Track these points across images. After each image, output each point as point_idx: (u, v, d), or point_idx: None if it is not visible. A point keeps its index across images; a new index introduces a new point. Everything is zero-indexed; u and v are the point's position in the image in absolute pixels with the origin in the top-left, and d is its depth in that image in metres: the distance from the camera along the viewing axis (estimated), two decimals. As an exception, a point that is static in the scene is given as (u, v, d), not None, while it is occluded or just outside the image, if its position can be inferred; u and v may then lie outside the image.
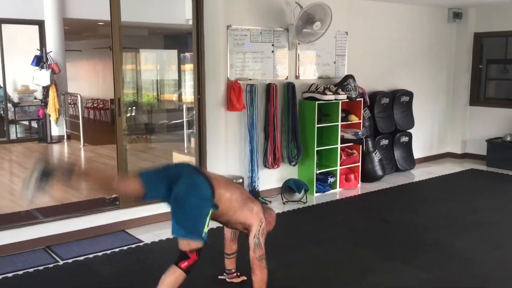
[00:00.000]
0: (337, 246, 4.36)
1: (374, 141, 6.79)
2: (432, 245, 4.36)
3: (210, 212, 2.95)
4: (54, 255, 4.11)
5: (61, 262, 3.98)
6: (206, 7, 5.15)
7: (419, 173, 7.15)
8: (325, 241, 4.48)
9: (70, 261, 4.00)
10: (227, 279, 3.61)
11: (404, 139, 7.26)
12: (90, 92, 14.52)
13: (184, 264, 2.90)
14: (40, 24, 9.05)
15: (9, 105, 9.82)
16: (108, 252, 4.19)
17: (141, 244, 4.41)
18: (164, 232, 4.66)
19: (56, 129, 9.34)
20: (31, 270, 3.83)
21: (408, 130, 7.29)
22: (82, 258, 4.06)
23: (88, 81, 15.28)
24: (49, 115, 8.92)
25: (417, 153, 7.54)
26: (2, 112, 9.74)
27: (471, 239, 4.54)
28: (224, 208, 3.04)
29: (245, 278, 3.51)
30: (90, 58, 15.39)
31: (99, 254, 4.16)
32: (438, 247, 4.33)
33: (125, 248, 4.30)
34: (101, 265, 3.95)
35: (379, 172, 6.67)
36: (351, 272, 3.82)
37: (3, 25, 9.25)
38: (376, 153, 6.68)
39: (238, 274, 3.60)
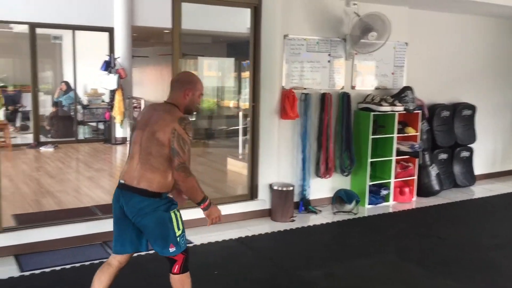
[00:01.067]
0: (385, 260, 4.30)
1: (432, 154, 6.60)
2: (487, 266, 4.19)
3: (171, 216, 2.79)
4: (109, 251, 4.32)
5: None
6: (264, 16, 5.25)
7: (480, 190, 6.86)
8: (373, 254, 4.42)
9: (123, 257, 4.19)
10: None
11: (465, 154, 7.00)
12: (155, 97, 15.04)
13: (176, 268, 2.85)
14: (110, 31, 9.55)
15: (79, 107, 10.44)
16: (159, 251, 4.35)
17: (190, 245, 4.54)
18: (213, 234, 4.79)
19: (120, 131, 9.78)
20: (87, 263, 4.06)
21: (469, 145, 7.03)
22: (135, 255, 4.24)
23: (153, 86, 15.88)
24: (115, 118, 9.37)
25: (478, 169, 7.24)
26: (72, 113, 10.36)
27: (530, 261, 4.32)
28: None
29: None
30: (156, 64, 16.00)
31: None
32: (493, 268, 4.16)
33: (175, 248, 4.44)
34: (152, 263, 4.11)
35: (436, 187, 6.47)
36: (396, 287, 3.74)
37: (77, 32, 9.86)
38: (433, 167, 6.49)
39: None
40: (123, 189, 2.78)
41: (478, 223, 5.46)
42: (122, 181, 2.79)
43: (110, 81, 9.14)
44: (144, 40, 12.99)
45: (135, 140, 2.80)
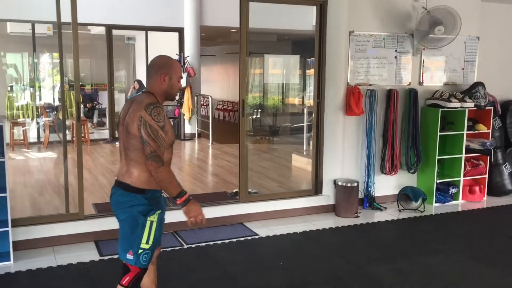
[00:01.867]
0: (452, 258, 4.23)
1: (505, 153, 6.35)
2: (562, 268, 4.02)
3: (145, 223, 2.56)
4: (180, 240, 4.56)
5: (185, 246, 4.41)
6: (330, 13, 5.30)
7: (558, 191, 6.51)
8: (440, 252, 4.36)
9: (193, 245, 4.42)
10: None
11: (541, 152, 6.66)
12: (221, 95, 15.45)
13: (126, 279, 2.60)
14: (180, 31, 9.94)
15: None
16: (227, 241, 4.54)
17: (256, 237, 4.70)
18: (279, 227, 4.91)
19: (189, 128, 10.16)
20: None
21: (546, 143, 6.69)
22: (203, 244, 4.46)
23: (219, 84, 16.28)
24: (184, 114, 9.74)
25: (556, 169, 6.87)
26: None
27: None
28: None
29: None
30: (222, 63, 16.39)
31: (218, 242, 4.52)
32: None
33: (242, 239, 4.62)
34: (220, 252, 4.30)
35: (509, 186, 6.22)
36: (466, 285, 3.69)
37: (149, 32, 10.34)
38: (506, 165, 6.24)
39: None
40: (114, 185, 2.66)
41: (554, 224, 5.22)
42: (116, 178, 2.67)
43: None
44: (211, 39, 13.36)
45: (119, 136, 2.65)
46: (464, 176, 5.90)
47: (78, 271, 3.87)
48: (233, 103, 15.10)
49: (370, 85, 5.57)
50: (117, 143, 9.46)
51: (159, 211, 2.60)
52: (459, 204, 5.87)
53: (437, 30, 5.40)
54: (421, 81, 5.86)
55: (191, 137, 10.21)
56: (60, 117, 9.47)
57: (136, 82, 11.38)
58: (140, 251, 2.55)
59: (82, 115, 9.94)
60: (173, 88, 2.64)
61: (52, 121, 9.28)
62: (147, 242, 2.56)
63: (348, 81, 5.47)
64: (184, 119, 9.92)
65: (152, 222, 2.56)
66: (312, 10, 5.43)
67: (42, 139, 9.23)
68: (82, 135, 9.24)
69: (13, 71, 11.93)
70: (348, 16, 5.35)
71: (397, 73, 5.71)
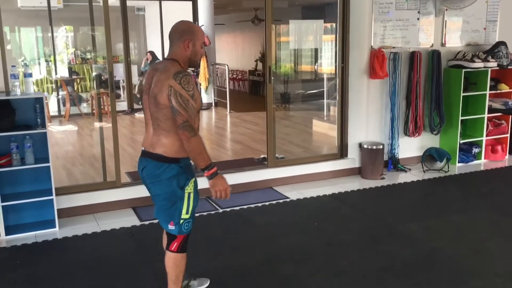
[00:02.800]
0: (481, 215, 4.35)
1: (526, 112, 6.39)
2: None
3: (183, 196, 2.60)
4: (214, 204, 4.70)
5: (220, 210, 4.56)
6: (352, -24, 5.29)
7: None
8: (468, 210, 4.48)
9: (228, 209, 4.56)
10: None
11: (562, 110, 6.69)
12: (231, 64, 15.42)
13: (174, 246, 2.68)
14: (194, 0, 9.88)
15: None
16: (260, 205, 4.68)
17: (287, 200, 4.83)
18: (307, 190, 5.05)
19: (205, 97, 10.22)
20: (197, 214, 4.44)
21: None
22: (237, 208, 4.60)
23: (228, 53, 16.23)
24: (200, 84, 9.79)
25: None
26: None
27: None
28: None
29: None
30: (231, 32, 16.30)
31: (252, 206, 4.66)
32: None
33: (274, 202, 4.75)
34: (255, 215, 4.44)
35: (531, 145, 6.30)
36: (497, 240, 3.81)
37: (163, 2, 10.30)
38: (528, 124, 6.30)
39: None
40: (143, 156, 2.64)
41: None
42: (143, 148, 2.65)
43: (195, 49, 9.51)
44: (222, 7, 13.26)
45: (145, 106, 2.61)
46: (487, 136, 5.97)
47: (122, 235, 4.03)
48: (242, 72, 15.10)
49: (394, 47, 5.59)
50: (137, 114, 9.58)
51: (193, 178, 2.63)
52: (482, 163, 5.97)
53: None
54: (443, 42, 5.86)
55: (208, 106, 10.28)
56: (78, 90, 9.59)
57: (149, 53, 11.37)
58: (181, 221, 2.61)
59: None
60: (197, 55, 2.59)
61: (71, 94, 9.37)
62: (187, 213, 2.61)
63: (372, 44, 5.49)
64: (200, 88, 9.98)
65: (189, 193, 2.60)
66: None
67: (62, 112, 9.34)
68: (102, 107, 9.34)
69: (26, 46, 11.95)
70: (371, -22, 5.34)
71: (419, 35, 5.72)
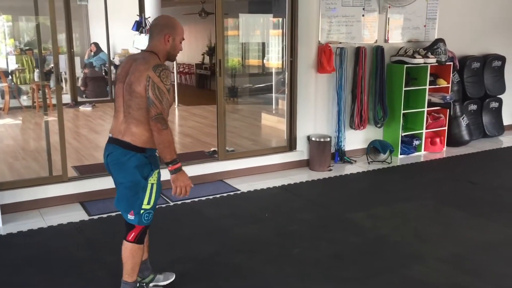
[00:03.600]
0: (423, 203, 4.58)
1: (462, 105, 6.77)
2: (519, 206, 4.45)
3: (146, 185, 2.60)
4: (165, 198, 4.67)
5: (171, 203, 4.54)
6: (300, -28, 5.38)
7: (508, 140, 7.05)
8: (411, 198, 4.70)
9: (179, 203, 4.55)
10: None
11: (494, 104, 7.15)
12: (177, 57, 15.21)
13: (131, 236, 2.67)
14: (139, -9, 9.65)
15: (112, 67, 10.69)
16: (211, 197, 4.70)
17: (238, 192, 4.88)
18: (258, 183, 5.11)
19: (153, 90, 10.04)
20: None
21: (498, 96, 7.17)
22: (189, 201, 4.59)
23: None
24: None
25: (507, 120, 7.40)
26: (105, 74, 10.63)
27: (561, 202, 4.57)
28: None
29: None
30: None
31: (203, 198, 4.67)
32: (525, 208, 4.42)
33: (225, 195, 4.79)
34: (206, 207, 4.46)
35: (466, 137, 6.68)
36: (438, 226, 4.04)
37: (107, -7, 10.01)
38: (463, 118, 6.67)
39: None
40: (110, 142, 2.64)
41: (507, 169, 5.70)
42: (110, 135, 2.65)
43: (142, 41, 9.24)
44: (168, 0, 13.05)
45: (118, 93, 2.62)
46: (426, 128, 6.27)
47: (70, 230, 3.93)
48: (189, 65, 14.96)
49: (340, 43, 5.75)
50: (81, 107, 9.30)
51: (158, 170, 2.65)
52: (422, 155, 6.26)
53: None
54: (386, 38, 6.09)
55: (155, 99, 10.12)
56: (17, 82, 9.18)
57: (93, 45, 11.06)
58: (142, 211, 2.62)
59: (37, 79, 9.59)
60: (176, 49, 2.65)
61: (10, 87, 8.94)
62: (148, 203, 2.62)
63: (319, 39, 5.62)
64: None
65: (152, 184, 2.61)
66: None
67: (1, 105, 8.91)
68: (41, 100, 8.98)
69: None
70: (318, -26, 5.46)
71: (364, 31, 5.91)
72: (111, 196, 4.56)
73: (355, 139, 6.11)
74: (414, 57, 5.90)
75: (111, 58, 10.65)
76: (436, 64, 6.08)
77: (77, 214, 4.25)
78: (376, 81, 5.98)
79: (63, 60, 10.17)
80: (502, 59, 7.10)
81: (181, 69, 14.96)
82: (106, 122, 8.31)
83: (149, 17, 9.51)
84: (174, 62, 10.27)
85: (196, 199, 4.64)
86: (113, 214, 4.17)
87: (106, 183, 4.65)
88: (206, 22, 12.73)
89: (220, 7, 5.05)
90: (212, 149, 5.71)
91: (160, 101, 2.45)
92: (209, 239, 3.77)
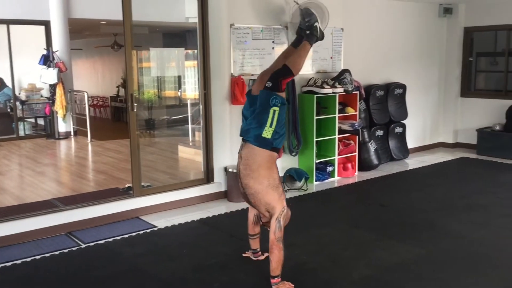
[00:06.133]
0: (337, 228, 4.72)
1: (370, 131, 7.15)
2: (426, 226, 4.72)
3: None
4: (76, 240, 4.44)
5: (83, 246, 4.31)
6: (210, 6, 5.48)
7: (413, 162, 7.52)
8: (326, 224, 4.83)
9: (92, 244, 4.33)
10: (252, 258, 3.99)
11: (398, 129, 7.62)
12: (90, 90, 14.79)
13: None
14: (46, 24, 9.32)
15: (17, 103, 10.12)
16: (126, 236, 4.53)
17: (155, 229, 4.75)
18: (175, 217, 5.02)
19: (63, 126, 9.64)
20: (57, 252, 4.16)
21: (402, 121, 7.66)
22: (102, 241, 4.39)
23: (87, 79, 15.56)
24: (57, 112, 9.22)
25: (411, 143, 7.92)
26: (10, 110, 10.03)
27: (462, 219, 4.91)
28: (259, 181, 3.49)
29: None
30: (89, 57, 15.68)
31: (118, 238, 4.49)
32: (431, 227, 4.69)
33: (141, 232, 4.64)
34: (121, 247, 4.28)
35: (375, 161, 7.03)
36: (352, 249, 4.17)
37: (11, 26, 9.54)
38: (371, 143, 7.03)
39: (262, 253, 3.97)
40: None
41: (414, 190, 6.04)
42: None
43: (50, 75, 8.98)
44: (78, 32, 12.72)
45: None
46: (338, 155, 6.53)
47: None
48: (103, 98, 14.59)
49: (252, 75, 5.88)
50: None
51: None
52: (336, 180, 6.50)
53: (308, 23, 5.85)
54: (296, 70, 6.31)
55: (67, 135, 9.70)
56: None
57: (-4, 80, 10.46)
58: None
59: None
60: None
61: None
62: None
63: (232, 71, 5.72)
64: (57, 117, 9.39)
65: None
66: (184, 3, 5.51)
67: None
68: None
69: None
70: (228, 9, 5.58)
71: (275, 63, 6.09)
72: (15, 242, 4.29)
73: (272, 168, 6.19)
74: (323, 87, 6.17)
75: (17, 94, 10.10)
76: (344, 93, 6.39)
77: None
78: (289, 111, 6.14)
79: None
80: (403, 87, 7.62)
81: (95, 102, 14.53)
82: (11, 162, 7.81)
83: (57, 50, 9.26)
84: (85, 95, 9.95)
85: (110, 239, 4.45)
86: (18, 261, 3.90)
87: (9, 228, 4.38)
88: (120, 54, 12.52)
89: (130, 42, 4.98)
90: (127, 185, 5.54)
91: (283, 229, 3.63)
92: (123, 280, 3.62)
